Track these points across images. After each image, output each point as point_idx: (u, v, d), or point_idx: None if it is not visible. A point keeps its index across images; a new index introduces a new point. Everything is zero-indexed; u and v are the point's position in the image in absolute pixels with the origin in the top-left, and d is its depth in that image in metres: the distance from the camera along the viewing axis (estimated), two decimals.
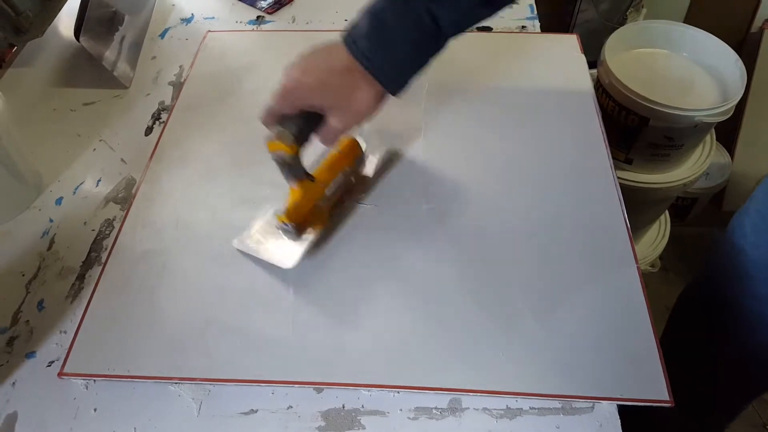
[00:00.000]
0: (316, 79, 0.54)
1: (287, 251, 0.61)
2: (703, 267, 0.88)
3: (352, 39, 0.53)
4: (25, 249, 0.66)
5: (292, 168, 0.57)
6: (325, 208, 0.64)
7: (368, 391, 0.53)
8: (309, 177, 0.61)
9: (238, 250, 0.63)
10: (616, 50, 1.08)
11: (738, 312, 0.74)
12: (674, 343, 0.58)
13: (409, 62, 0.55)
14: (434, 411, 0.51)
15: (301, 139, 0.55)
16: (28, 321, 0.60)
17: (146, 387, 0.54)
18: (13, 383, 0.56)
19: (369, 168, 0.69)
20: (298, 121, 0.55)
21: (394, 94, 0.55)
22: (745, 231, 0.70)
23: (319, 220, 0.63)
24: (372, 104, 0.55)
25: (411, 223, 0.64)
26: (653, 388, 0.51)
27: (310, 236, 0.62)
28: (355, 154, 0.66)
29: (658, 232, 1.37)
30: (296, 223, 0.61)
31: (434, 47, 0.55)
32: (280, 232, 0.62)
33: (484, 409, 0.51)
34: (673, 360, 0.55)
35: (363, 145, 0.67)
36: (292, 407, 0.52)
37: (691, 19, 1.51)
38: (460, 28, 0.54)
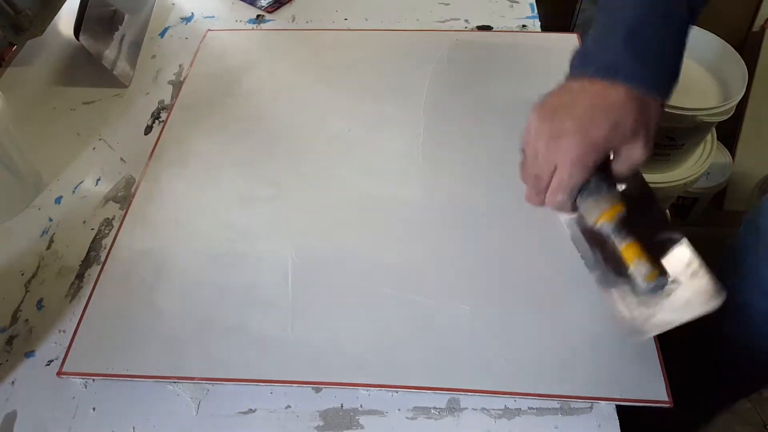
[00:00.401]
0: (608, 128, 0.46)
1: (692, 293, 0.49)
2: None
3: (611, 70, 0.46)
4: (25, 248, 0.66)
5: (626, 224, 0.49)
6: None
7: (367, 390, 0.53)
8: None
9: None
10: None
11: (743, 308, 0.73)
12: (669, 337, 0.57)
13: (672, 66, 0.48)
14: (432, 411, 0.51)
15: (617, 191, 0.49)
16: (27, 320, 0.60)
17: (145, 386, 0.54)
18: (13, 382, 0.56)
19: None
20: (601, 178, 0.48)
21: (665, 96, 0.48)
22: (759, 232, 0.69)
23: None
24: (659, 114, 0.48)
25: (410, 222, 0.64)
26: (652, 388, 0.51)
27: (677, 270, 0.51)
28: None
29: None
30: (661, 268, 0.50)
31: (684, 35, 0.49)
32: (658, 290, 0.50)
33: (483, 409, 0.51)
34: (668, 353, 0.55)
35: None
36: (290, 407, 0.52)
37: None
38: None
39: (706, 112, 0.96)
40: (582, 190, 0.48)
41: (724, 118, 0.99)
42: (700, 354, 0.84)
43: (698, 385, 0.83)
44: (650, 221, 0.53)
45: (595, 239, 0.54)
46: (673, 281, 0.50)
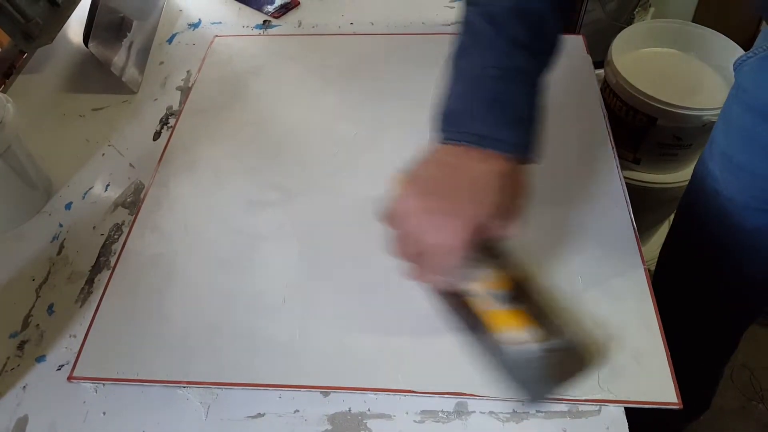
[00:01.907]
0: (487, 199, 0.45)
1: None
2: (679, 222, 0.87)
3: (483, 138, 0.46)
4: (36, 254, 0.67)
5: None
6: None
7: (374, 394, 0.53)
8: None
9: None
10: (624, 50, 1.08)
11: (725, 250, 0.72)
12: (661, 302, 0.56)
13: (530, 123, 0.48)
14: (440, 414, 0.51)
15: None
16: (38, 325, 0.61)
17: (155, 391, 0.55)
18: (24, 387, 0.56)
19: None
20: (485, 246, 0.49)
21: (526, 157, 0.48)
22: (715, 175, 0.68)
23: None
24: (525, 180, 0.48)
25: None
26: (661, 390, 0.51)
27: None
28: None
29: (667, 232, 1.36)
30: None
31: (539, 82, 0.48)
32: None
33: (491, 412, 0.51)
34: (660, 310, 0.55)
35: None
36: (298, 411, 0.53)
37: (699, 17, 1.50)
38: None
39: (713, 112, 0.96)
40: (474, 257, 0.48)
41: None
42: (687, 307, 0.82)
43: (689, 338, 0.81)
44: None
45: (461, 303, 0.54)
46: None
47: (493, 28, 0.47)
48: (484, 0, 0.49)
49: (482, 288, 0.50)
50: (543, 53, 0.49)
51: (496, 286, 0.50)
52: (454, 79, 0.50)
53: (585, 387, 0.51)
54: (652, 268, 1.04)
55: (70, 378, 0.56)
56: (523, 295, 0.53)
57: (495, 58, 0.47)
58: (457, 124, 0.48)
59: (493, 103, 0.46)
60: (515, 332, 0.50)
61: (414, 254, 0.48)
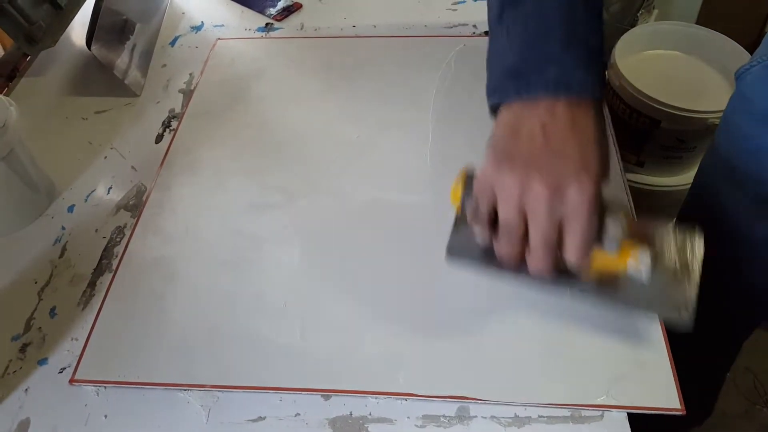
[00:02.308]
0: (596, 149, 0.42)
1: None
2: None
3: (561, 83, 0.42)
4: (38, 256, 0.67)
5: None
6: None
7: (376, 398, 0.53)
8: None
9: None
10: (627, 52, 1.08)
11: (726, 259, 0.70)
12: None
13: (595, 44, 0.43)
14: (442, 419, 0.51)
15: None
16: (40, 328, 0.61)
17: (156, 394, 0.55)
18: (26, 389, 0.56)
19: None
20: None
21: (599, 95, 0.43)
22: (716, 184, 0.65)
23: None
24: (591, 130, 0.43)
25: (419, 228, 0.64)
26: (664, 395, 0.51)
27: None
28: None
29: None
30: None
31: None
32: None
33: (492, 417, 0.51)
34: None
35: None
36: (299, 414, 0.53)
37: (702, 20, 1.50)
38: None
39: (717, 115, 0.96)
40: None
41: None
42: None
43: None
44: None
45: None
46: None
47: None
48: None
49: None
50: None
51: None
52: (511, 29, 0.44)
53: (588, 392, 0.51)
54: None
55: (71, 381, 0.56)
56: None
57: None
58: (522, 76, 0.42)
59: (564, 41, 0.41)
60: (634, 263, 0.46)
61: (543, 242, 0.43)
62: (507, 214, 0.43)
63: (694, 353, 0.77)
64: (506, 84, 0.44)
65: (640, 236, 0.48)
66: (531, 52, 0.43)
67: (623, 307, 0.51)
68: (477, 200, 0.45)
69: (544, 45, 0.42)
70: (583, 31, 0.42)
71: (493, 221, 0.46)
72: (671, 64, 1.09)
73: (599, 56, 0.43)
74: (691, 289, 0.47)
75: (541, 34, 0.42)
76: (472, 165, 0.50)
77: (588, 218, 0.41)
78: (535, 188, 0.41)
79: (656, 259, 0.47)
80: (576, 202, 0.40)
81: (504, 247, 0.45)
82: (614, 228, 0.44)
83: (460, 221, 0.51)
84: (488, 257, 0.48)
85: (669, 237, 0.49)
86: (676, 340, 0.55)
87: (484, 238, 0.47)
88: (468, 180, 0.49)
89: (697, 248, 0.49)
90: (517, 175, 0.41)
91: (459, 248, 0.50)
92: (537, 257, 0.43)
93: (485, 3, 0.50)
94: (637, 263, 0.47)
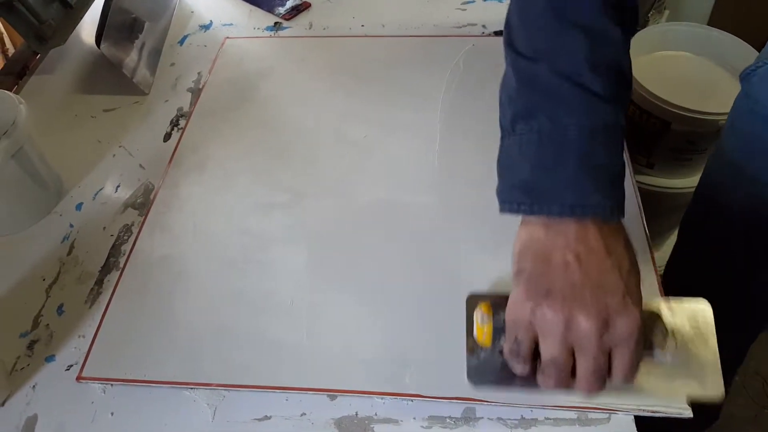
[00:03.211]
0: (634, 272, 0.42)
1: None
2: (685, 234, 0.83)
3: (578, 207, 0.41)
4: (46, 254, 0.67)
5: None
6: None
7: (382, 399, 0.53)
8: None
9: None
10: (638, 53, 1.07)
11: (731, 263, 0.70)
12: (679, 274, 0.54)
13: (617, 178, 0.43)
14: (448, 420, 0.51)
15: None
16: (48, 325, 0.61)
17: (162, 392, 0.55)
18: (34, 386, 0.57)
19: None
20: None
21: (615, 214, 0.43)
22: (722, 186, 0.65)
23: None
24: (626, 256, 0.43)
25: (426, 228, 0.64)
26: (672, 398, 0.50)
27: None
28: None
29: None
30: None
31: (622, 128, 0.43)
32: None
33: (499, 418, 0.51)
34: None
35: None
36: (305, 414, 0.52)
37: (714, 21, 1.49)
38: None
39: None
40: None
41: None
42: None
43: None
44: None
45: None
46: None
47: (567, 83, 0.41)
48: (547, 54, 0.43)
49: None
50: (623, 98, 0.44)
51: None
52: (524, 144, 0.43)
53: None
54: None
55: (78, 378, 0.56)
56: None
57: (577, 116, 0.41)
58: (540, 194, 0.42)
59: (580, 163, 0.41)
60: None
61: (595, 372, 0.42)
62: (554, 351, 0.42)
63: None
64: (520, 197, 0.43)
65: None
66: (547, 174, 0.42)
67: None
68: (516, 336, 0.44)
69: (562, 170, 0.41)
70: (602, 155, 0.41)
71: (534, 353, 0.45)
72: (682, 65, 1.08)
73: (620, 180, 0.43)
74: (710, 356, 0.47)
75: (558, 159, 0.41)
76: (477, 291, 0.50)
77: (637, 344, 0.41)
78: (583, 325, 0.40)
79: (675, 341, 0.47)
80: (625, 332, 0.40)
81: (550, 380, 0.43)
82: (660, 340, 0.46)
83: (478, 347, 0.48)
84: (520, 381, 0.47)
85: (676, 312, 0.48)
86: None
87: (524, 371, 0.45)
88: (493, 307, 0.48)
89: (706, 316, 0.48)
90: (560, 312, 0.40)
91: (483, 373, 0.48)
92: (588, 383, 0.43)
93: (494, 3, 0.50)
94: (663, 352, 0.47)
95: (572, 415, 0.50)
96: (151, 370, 0.56)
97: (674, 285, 0.88)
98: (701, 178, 0.76)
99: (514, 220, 0.61)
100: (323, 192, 0.69)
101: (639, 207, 0.64)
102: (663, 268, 1.32)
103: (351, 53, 0.87)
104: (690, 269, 0.85)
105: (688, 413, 0.49)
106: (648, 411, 0.49)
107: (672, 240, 1.33)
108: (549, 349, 0.42)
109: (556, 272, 0.41)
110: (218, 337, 0.57)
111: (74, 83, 0.89)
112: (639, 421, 0.50)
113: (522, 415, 0.51)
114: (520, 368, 0.45)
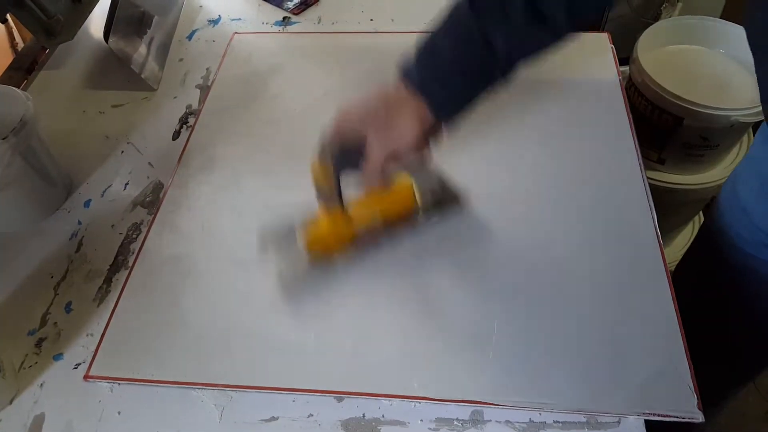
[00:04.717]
0: (362, 108, 0.52)
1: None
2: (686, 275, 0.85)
3: (402, 64, 0.51)
4: (54, 251, 0.67)
5: (327, 199, 0.57)
6: (345, 243, 0.61)
7: (389, 401, 0.52)
8: (341, 211, 0.58)
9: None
10: (650, 47, 1.05)
11: (734, 298, 0.72)
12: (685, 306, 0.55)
13: (460, 85, 0.51)
14: (455, 422, 0.51)
15: (346, 167, 0.54)
16: (56, 323, 0.61)
17: (169, 391, 0.55)
18: (41, 384, 0.57)
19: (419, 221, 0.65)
20: (339, 156, 0.54)
21: (440, 119, 0.51)
22: (734, 232, 0.67)
23: (333, 253, 0.62)
24: (415, 127, 0.50)
25: (432, 233, 0.63)
26: (683, 402, 0.50)
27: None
28: (403, 201, 0.62)
29: (692, 234, 1.33)
30: (312, 251, 0.60)
31: (490, 76, 0.50)
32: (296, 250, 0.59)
33: (507, 421, 0.50)
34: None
35: (418, 199, 0.62)
36: (312, 415, 0.52)
37: (728, 14, 1.46)
38: (516, 54, 0.49)
39: (742, 112, 0.93)
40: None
41: (762, 118, 0.95)
42: (716, 322, 0.80)
43: (715, 357, 0.80)
44: None
45: None
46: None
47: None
48: None
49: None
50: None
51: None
52: (444, 25, 0.50)
53: (604, 398, 0.50)
54: (674, 269, 1.02)
55: (86, 377, 0.56)
56: None
57: (491, 28, 0.48)
58: (420, 65, 0.51)
59: (454, 65, 0.49)
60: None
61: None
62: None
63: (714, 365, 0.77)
64: (407, 59, 0.53)
65: None
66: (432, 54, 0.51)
67: None
68: None
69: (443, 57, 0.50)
70: (438, 41, 0.51)
71: None
72: (695, 59, 1.06)
73: (467, 97, 0.52)
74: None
75: (447, 47, 0.50)
76: None
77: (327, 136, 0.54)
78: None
79: None
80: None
81: None
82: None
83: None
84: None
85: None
86: (696, 350, 0.54)
87: None
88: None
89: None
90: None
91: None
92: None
93: None
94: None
95: (581, 418, 0.50)
96: (158, 369, 0.56)
97: (685, 283, 0.87)
98: (704, 224, 0.75)
99: (523, 221, 0.61)
100: None
101: (650, 203, 0.63)
102: (675, 264, 1.31)
103: (360, 48, 0.86)
104: (702, 268, 0.84)
105: (700, 418, 0.48)
106: (659, 415, 0.49)
107: (682, 236, 1.32)
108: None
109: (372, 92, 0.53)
110: (226, 337, 0.57)
111: (82, 78, 0.89)
112: (649, 424, 0.49)
113: (530, 419, 0.50)
114: None
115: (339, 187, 0.56)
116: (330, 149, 0.54)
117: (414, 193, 0.62)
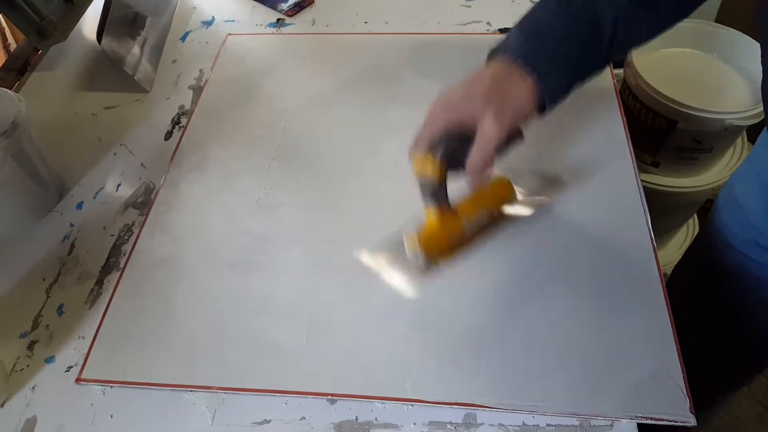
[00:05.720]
0: (464, 91, 0.50)
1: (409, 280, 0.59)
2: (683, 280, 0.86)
3: (503, 43, 0.51)
4: (46, 253, 0.67)
5: (435, 194, 0.53)
6: (458, 243, 0.58)
7: (382, 403, 0.52)
8: (449, 208, 0.55)
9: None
10: (644, 50, 1.06)
11: (732, 305, 0.72)
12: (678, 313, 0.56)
13: (569, 67, 0.50)
14: (449, 426, 0.51)
15: (449, 163, 0.51)
16: (48, 325, 0.61)
17: (162, 394, 0.55)
18: (33, 387, 0.57)
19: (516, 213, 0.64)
20: (446, 143, 0.51)
21: (550, 95, 0.50)
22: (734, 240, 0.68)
23: (448, 254, 0.58)
24: (528, 98, 0.49)
25: None
26: (676, 406, 0.50)
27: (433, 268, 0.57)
28: (504, 196, 0.61)
29: (686, 237, 1.33)
30: (428, 253, 0.55)
31: (596, 52, 0.50)
32: (409, 257, 0.55)
33: (500, 424, 0.50)
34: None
35: (516, 192, 0.61)
36: (305, 418, 0.52)
37: (722, 17, 1.47)
38: (623, 32, 0.49)
39: (736, 116, 0.93)
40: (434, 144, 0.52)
41: (756, 121, 0.96)
42: (711, 328, 0.81)
43: (709, 360, 0.81)
44: None
45: None
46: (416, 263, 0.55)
47: None
48: None
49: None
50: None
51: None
52: (552, 8, 0.51)
53: (597, 401, 0.50)
54: (668, 272, 1.02)
55: (78, 380, 0.56)
56: None
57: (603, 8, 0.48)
58: (531, 45, 0.50)
59: (565, 46, 0.49)
60: None
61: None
62: None
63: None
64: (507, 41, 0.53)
65: None
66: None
67: None
68: None
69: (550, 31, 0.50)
70: (543, 18, 0.51)
71: None
72: (689, 62, 1.07)
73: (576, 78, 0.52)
74: None
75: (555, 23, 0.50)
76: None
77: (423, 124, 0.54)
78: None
79: None
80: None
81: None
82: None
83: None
84: None
85: None
86: (690, 354, 0.54)
87: None
88: None
89: None
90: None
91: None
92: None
93: (499, 0, 0.51)
94: None
95: (575, 421, 0.50)
96: (150, 372, 0.55)
97: (680, 285, 0.87)
98: (700, 235, 0.76)
99: (521, 220, 0.61)
100: (325, 192, 0.68)
101: (644, 206, 0.63)
102: (669, 266, 1.31)
103: (354, 50, 0.86)
104: (697, 270, 0.84)
105: (693, 421, 0.48)
106: (651, 419, 0.49)
107: (676, 239, 1.32)
108: None
109: (463, 79, 0.53)
110: (218, 339, 0.57)
111: (75, 80, 0.89)
112: (642, 428, 0.49)
113: (523, 422, 0.50)
114: None
115: (445, 179, 0.53)
116: (438, 137, 0.51)
117: (512, 187, 0.60)
